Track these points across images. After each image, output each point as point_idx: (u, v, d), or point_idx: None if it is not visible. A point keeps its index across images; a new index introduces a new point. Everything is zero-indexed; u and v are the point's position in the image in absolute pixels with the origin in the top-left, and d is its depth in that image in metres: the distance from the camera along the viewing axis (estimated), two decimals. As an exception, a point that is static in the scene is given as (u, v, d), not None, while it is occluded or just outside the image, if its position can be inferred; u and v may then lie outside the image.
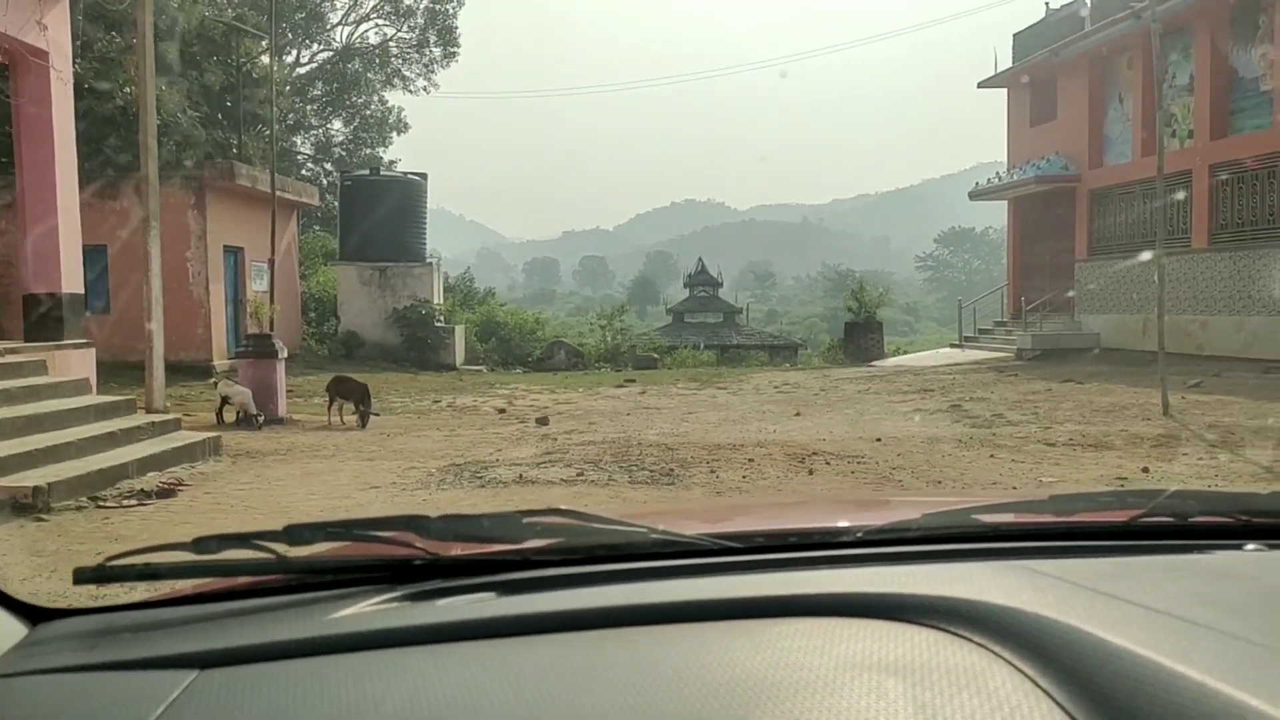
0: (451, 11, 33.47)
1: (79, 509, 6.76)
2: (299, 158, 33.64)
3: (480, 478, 7.99)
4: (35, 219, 10.33)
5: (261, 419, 11.42)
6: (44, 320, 10.34)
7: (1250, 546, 1.16)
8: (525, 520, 1.18)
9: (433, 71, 34.27)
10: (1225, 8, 19.31)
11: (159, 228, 11.24)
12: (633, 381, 18.65)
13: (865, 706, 0.76)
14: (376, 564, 1.12)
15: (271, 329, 14.93)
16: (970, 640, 0.86)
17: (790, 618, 0.94)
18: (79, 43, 13.99)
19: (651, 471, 8.14)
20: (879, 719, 0.74)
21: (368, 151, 34.06)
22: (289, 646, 0.94)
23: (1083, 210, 23.77)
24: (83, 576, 1.09)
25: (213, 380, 13.11)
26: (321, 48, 34.29)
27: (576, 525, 1.17)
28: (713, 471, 8.15)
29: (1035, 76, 25.25)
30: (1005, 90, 27.35)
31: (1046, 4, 25.81)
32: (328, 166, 33.98)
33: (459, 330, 24.66)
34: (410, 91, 34.64)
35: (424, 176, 26.26)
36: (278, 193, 17.95)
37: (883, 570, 1.07)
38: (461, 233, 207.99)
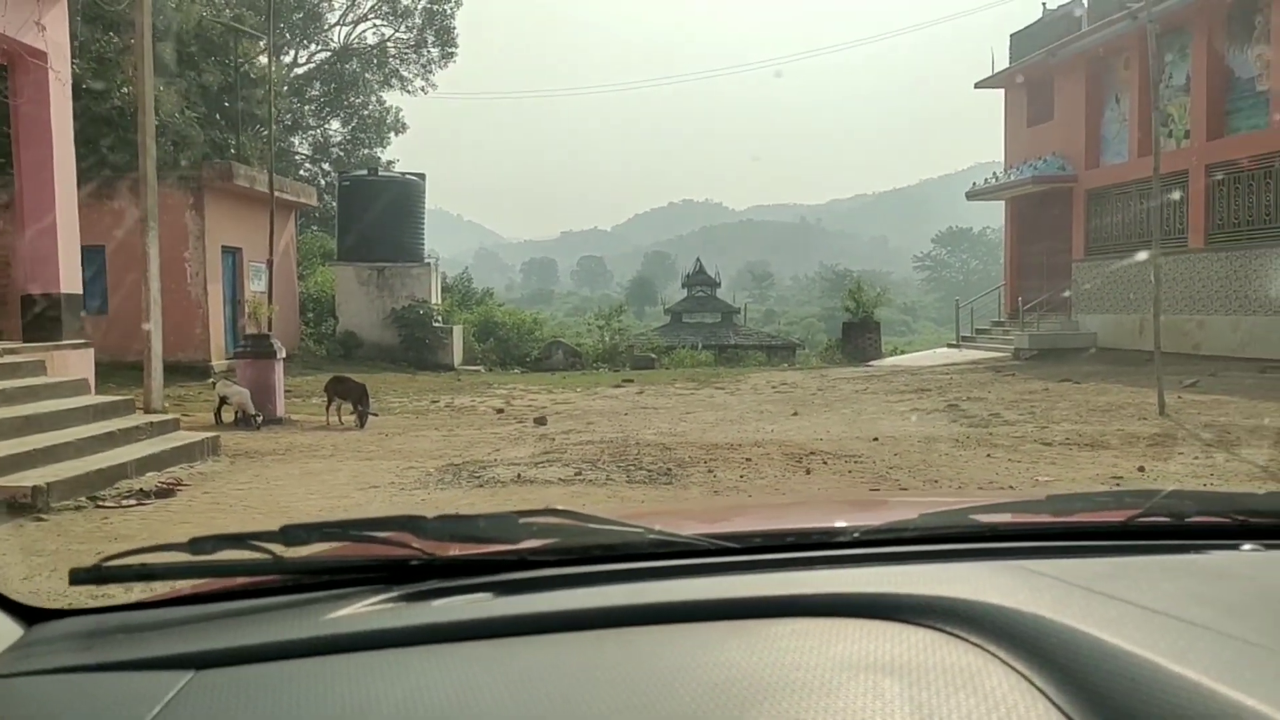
0: (449, 12, 33.54)
1: (78, 509, 6.75)
2: (297, 158, 33.64)
3: (478, 477, 7.98)
4: (33, 219, 10.32)
5: (260, 419, 11.41)
6: (42, 320, 10.34)
7: (1247, 546, 1.16)
8: (522, 520, 1.17)
9: (430, 72, 34.39)
10: (1222, 8, 19.33)
11: (157, 228, 11.25)
12: (630, 381, 18.64)
13: (862, 706, 0.76)
14: (373, 564, 1.12)
15: (270, 329, 14.94)
16: (967, 640, 0.86)
17: (787, 618, 0.94)
18: (77, 43, 13.97)
19: (649, 471, 8.14)
20: (876, 719, 0.75)
21: (365, 152, 34.07)
22: (286, 647, 0.94)
23: (1079, 210, 23.79)
24: (79, 577, 1.09)
25: (211, 380, 13.08)
26: (319, 48, 34.34)
27: (573, 525, 1.17)
28: (710, 471, 8.15)
29: (1032, 77, 25.26)
30: (1002, 90, 27.36)
31: (1044, 4, 25.84)
32: (326, 167, 33.99)
33: (457, 330, 24.66)
34: (408, 92, 34.77)
35: (422, 177, 26.27)
36: (276, 193, 17.96)
37: (880, 570, 1.07)
38: (459, 233, 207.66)
